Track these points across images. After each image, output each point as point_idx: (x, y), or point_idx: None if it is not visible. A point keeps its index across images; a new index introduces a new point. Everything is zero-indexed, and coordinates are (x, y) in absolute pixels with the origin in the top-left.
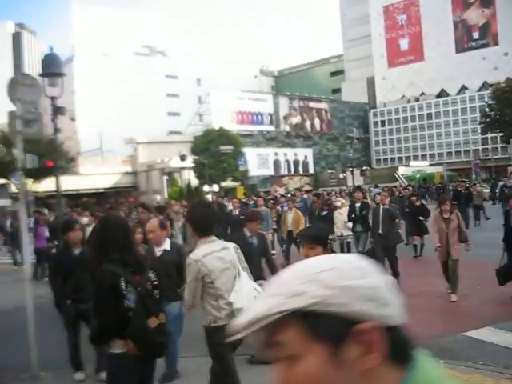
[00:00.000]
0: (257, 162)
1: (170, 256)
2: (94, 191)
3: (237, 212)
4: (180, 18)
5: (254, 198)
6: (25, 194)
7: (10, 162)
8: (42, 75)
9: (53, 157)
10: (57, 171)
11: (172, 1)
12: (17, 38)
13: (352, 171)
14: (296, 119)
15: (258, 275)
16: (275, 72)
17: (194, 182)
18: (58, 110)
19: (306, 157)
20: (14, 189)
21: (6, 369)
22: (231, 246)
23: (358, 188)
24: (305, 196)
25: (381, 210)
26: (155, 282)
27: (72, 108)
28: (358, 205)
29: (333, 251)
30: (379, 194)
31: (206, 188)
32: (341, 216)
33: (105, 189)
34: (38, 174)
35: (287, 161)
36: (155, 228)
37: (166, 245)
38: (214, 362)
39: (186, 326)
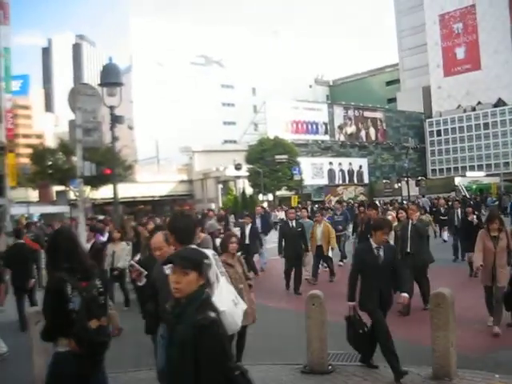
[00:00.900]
0: (311, 171)
1: None
2: (149, 199)
3: (293, 224)
4: (236, 28)
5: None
6: (84, 201)
7: (69, 169)
8: (100, 85)
9: (110, 165)
10: (114, 179)
11: (228, 12)
12: (77, 49)
13: (407, 181)
14: (351, 128)
15: (387, 292)
16: (330, 81)
17: (249, 190)
18: (116, 119)
19: (360, 166)
20: (72, 196)
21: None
22: (210, 252)
23: (370, 203)
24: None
25: (409, 226)
26: (101, 289)
27: (130, 117)
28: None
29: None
30: (402, 208)
31: (260, 197)
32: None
33: (160, 196)
34: (95, 181)
35: (342, 170)
36: (162, 244)
37: None
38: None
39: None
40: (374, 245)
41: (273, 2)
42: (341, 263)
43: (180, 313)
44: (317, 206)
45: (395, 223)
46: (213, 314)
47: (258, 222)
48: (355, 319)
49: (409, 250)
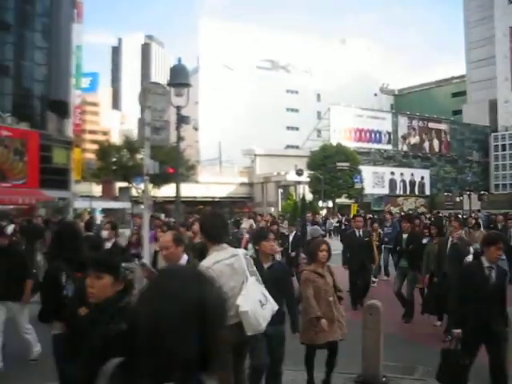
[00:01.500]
0: (372, 180)
1: None
2: (209, 199)
3: (360, 232)
4: (303, 34)
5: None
6: (148, 199)
7: (133, 166)
8: (169, 85)
9: (174, 164)
10: (178, 178)
11: (295, 16)
12: (146, 49)
13: (469, 195)
14: (414, 139)
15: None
16: (395, 91)
17: (309, 196)
18: (182, 119)
19: (422, 178)
20: (134, 192)
21: None
22: (241, 252)
23: (406, 216)
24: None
25: (448, 244)
26: None
27: (195, 118)
28: (405, 236)
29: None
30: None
31: (320, 203)
32: None
33: (221, 198)
34: (158, 179)
35: (403, 181)
36: (169, 244)
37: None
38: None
39: (295, 342)
40: (486, 263)
41: (342, 11)
42: (375, 280)
43: (92, 319)
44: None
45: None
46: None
47: (309, 229)
48: (456, 350)
49: (445, 271)
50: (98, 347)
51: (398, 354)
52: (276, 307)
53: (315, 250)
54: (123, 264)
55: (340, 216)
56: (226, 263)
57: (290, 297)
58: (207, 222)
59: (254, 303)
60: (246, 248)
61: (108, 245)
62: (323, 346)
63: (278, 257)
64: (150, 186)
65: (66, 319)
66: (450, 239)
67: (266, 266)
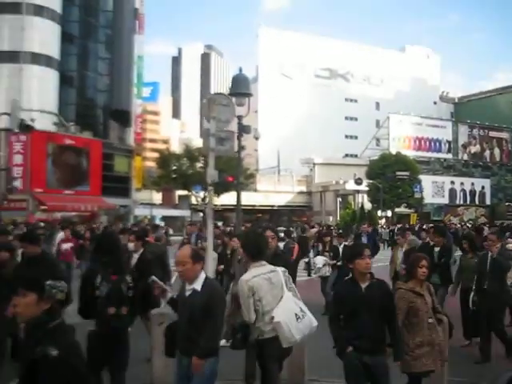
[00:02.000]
0: (432, 189)
1: (198, 299)
2: (268, 208)
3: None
4: (362, 42)
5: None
6: (211, 208)
7: (192, 174)
8: (230, 94)
9: (233, 172)
10: (238, 187)
11: (353, 24)
12: (205, 59)
13: None
14: (475, 148)
15: None
16: (455, 99)
17: (368, 205)
18: (243, 129)
19: (483, 187)
20: (193, 200)
21: (221, 374)
22: (280, 269)
23: (436, 228)
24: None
25: (488, 259)
26: (131, 284)
27: (255, 127)
28: (437, 249)
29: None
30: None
31: (378, 213)
32: None
33: (279, 206)
34: (217, 188)
35: (463, 190)
36: (185, 259)
37: (198, 283)
38: (263, 372)
39: None
40: None
41: (401, 20)
42: None
43: (24, 342)
44: (399, 225)
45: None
46: (54, 351)
47: (364, 240)
48: None
49: (485, 287)
50: (23, 374)
51: (462, 370)
52: (315, 323)
53: (414, 266)
54: (50, 282)
55: (390, 226)
56: (265, 277)
57: (392, 320)
58: (249, 241)
59: (289, 315)
60: (295, 257)
61: (135, 256)
62: (424, 373)
63: (329, 270)
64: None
65: (97, 317)
66: (490, 254)
67: (363, 285)
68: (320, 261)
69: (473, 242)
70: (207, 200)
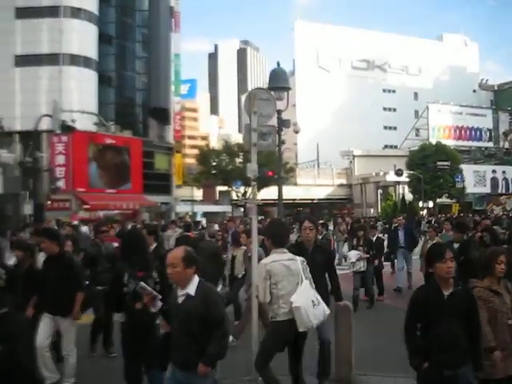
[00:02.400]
0: (473, 179)
1: (193, 305)
2: (308, 201)
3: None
4: (398, 32)
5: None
6: (254, 204)
7: (232, 170)
8: (269, 89)
9: (273, 167)
10: (279, 181)
11: (389, 14)
12: (241, 54)
13: None
14: None
15: None
16: (495, 86)
17: (409, 196)
18: (283, 123)
19: None
20: (234, 196)
21: (227, 369)
22: (299, 258)
23: (456, 220)
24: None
25: None
26: (157, 280)
27: (294, 121)
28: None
29: None
30: None
31: (420, 204)
32: None
33: (319, 200)
34: (257, 183)
35: (505, 179)
36: (175, 261)
37: (191, 287)
38: (259, 353)
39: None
40: None
41: (438, 7)
42: None
43: None
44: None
45: None
46: None
47: (401, 234)
48: None
49: None
50: None
51: None
52: (328, 312)
53: (491, 262)
54: None
55: (429, 217)
56: (284, 264)
57: (476, 329)
58: (273, 229)
59: (307, 301)
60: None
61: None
62: (502, 381)
63: (364, 265)
64: (250, 189)
65: (124, 311)
66: None
67: (446, 293)
68: (353, 255)
69: (494, 235)
70: (248, 195)
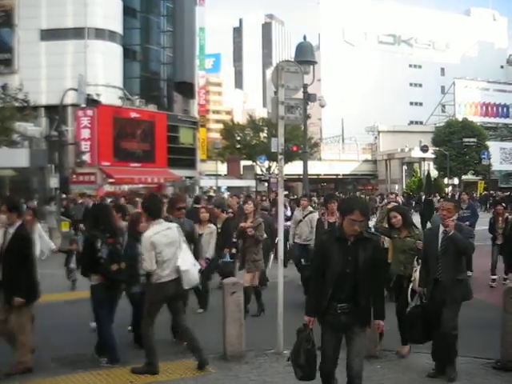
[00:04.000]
0: (499, 156)
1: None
2: (333, 177)
3: None
4: (426, 6)
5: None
6: (282, 177)
7: (256, 145)
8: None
9: (297, 142)
10: (305, 156)
11: None
12: (266, 28)
13: None
14: None
15: None
16: None
17: (434, 173)
18: (308, 97)
19: None
20: (258, 170)
21: (252, 344)
22: (174, 225)
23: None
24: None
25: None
26: (121, 244)
27: (319, 95)
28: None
29: None
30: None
31: (445, 180)
32: None
33: (344, 175)
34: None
35: None
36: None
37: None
38: (145, 317)
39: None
40: None
41: None
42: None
43: None
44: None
45: None
46: None
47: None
48: None
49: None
50: None
51: None
52: (198, 267)
53: None
54: None
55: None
56: (164, 234)
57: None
58: (147, 202)
59: (190, 264)
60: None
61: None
62: None
63: None
64: (274, 163)
65: (102, 273)
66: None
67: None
68: None
69: None
70: (272, 170)
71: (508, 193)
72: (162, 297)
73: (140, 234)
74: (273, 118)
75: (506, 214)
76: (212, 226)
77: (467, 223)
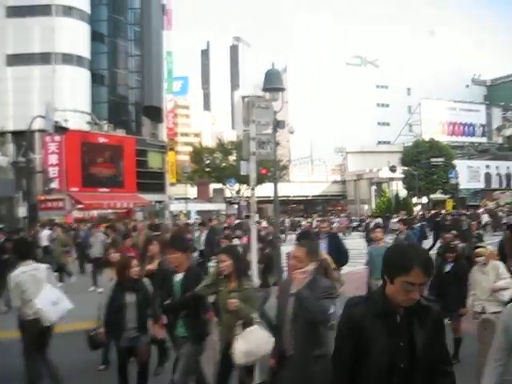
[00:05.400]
0: (467, 174)
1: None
2: (302, 198)
3: None
4: (391, 27)
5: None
6: (254, 204)
7: (226, 168)
8: (264, 90)
9: (267, 165)
10: (275, 182)
11: (385, 11)
12: (234, 51)
13: None
14: (509, 131)
15: None
16: (488, 81)
17: (403, 192)
18: (277, 124)
19: None
20: (228, 193)
21: None
22: (43, 266)
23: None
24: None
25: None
26: None
27: (285, 118)
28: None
29: None
30: None
31: (414, 200)
32: (485, 276)
33: (313, 196)
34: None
35: (499, 174)
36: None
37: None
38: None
39: None
40: None
41: (429, 2)
42: None
43: None
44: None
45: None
46: None
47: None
48: None
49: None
50: None
51: None
52: (70, 306)
53: None
54: None
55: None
56: (30, 274)
57: None
58: (17, 246)
59: (47, 302)
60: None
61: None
62: None
63: None
64: (244, 186)
65: None
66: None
67: None
68: None
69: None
70: (242, 193)
71: (471, 211)
72: (31, 333)
73: (130, 281)
74: (245, 154)
75: (456, 242)
76: None
77: None
